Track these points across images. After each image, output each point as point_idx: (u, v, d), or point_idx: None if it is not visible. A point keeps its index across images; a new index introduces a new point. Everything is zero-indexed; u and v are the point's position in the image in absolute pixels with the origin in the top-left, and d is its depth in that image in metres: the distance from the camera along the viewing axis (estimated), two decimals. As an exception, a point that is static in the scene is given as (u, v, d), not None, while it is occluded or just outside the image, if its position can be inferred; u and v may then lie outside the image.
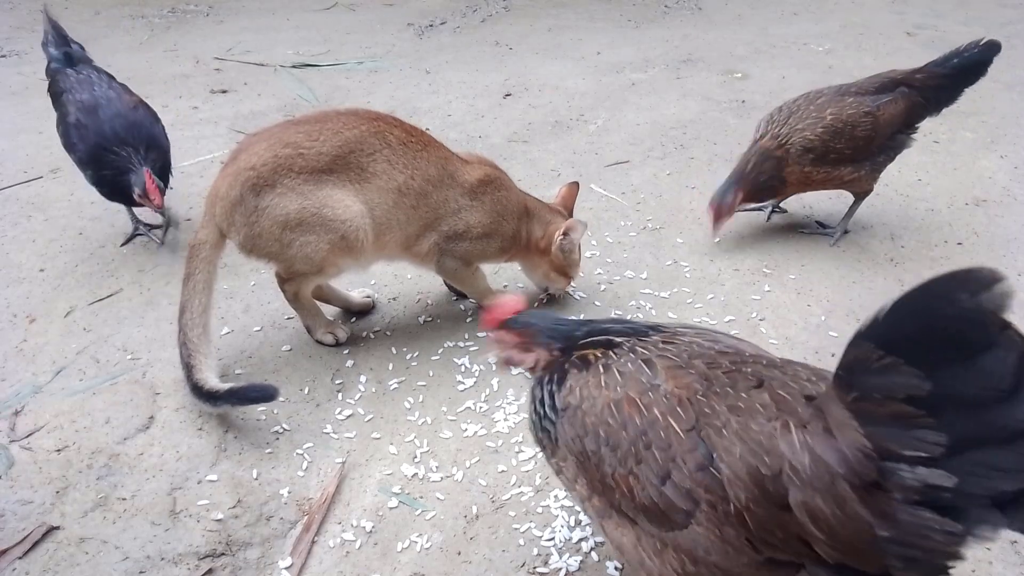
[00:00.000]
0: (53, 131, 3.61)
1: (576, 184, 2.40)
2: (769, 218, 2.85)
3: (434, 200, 2.01)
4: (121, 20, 5.39)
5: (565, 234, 2.16)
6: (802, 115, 2.49)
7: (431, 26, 5.32)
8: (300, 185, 1.88)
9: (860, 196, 2.67)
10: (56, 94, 2.68)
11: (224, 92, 4.08)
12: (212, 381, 1.85)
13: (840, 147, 2.46)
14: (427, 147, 2.01)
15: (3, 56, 4.63)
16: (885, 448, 0.93)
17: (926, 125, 3.56)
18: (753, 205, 2.83)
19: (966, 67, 2.50)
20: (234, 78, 4.28)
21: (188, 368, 1.87)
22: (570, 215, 2.31)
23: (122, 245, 2.67)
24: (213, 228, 1.96)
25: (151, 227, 2.75)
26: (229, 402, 1.82)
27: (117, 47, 4.81)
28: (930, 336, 0.89)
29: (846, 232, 2.69)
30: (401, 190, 1.96)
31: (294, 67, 4.45)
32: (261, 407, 1.94)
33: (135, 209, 2.72)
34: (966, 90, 2.55)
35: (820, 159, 2.47)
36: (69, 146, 2.60)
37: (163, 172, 2.58)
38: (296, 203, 1.88)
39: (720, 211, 2.48)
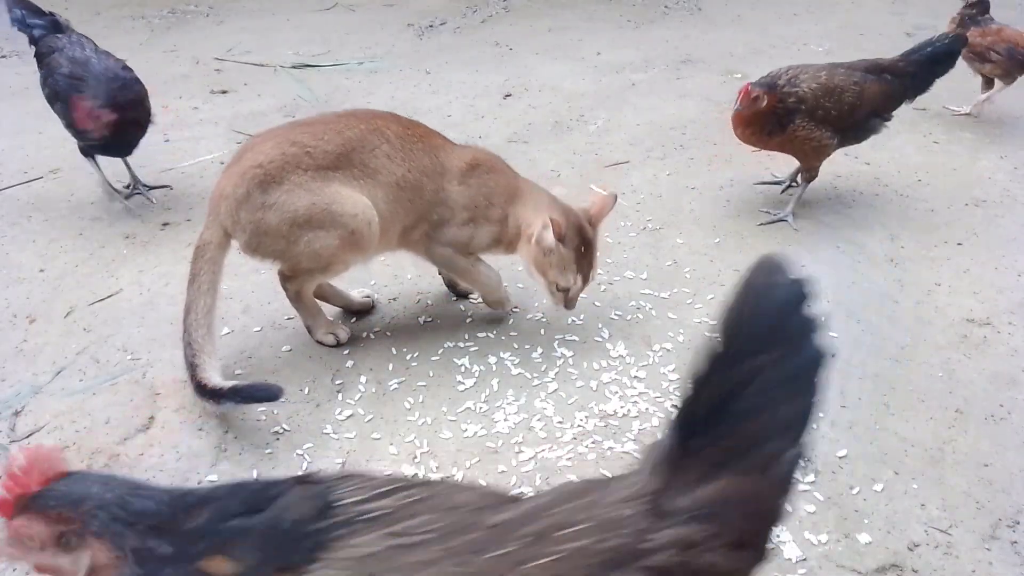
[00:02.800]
0: (53, 131, 3.61)
1: (614, 198, 2.17)
2: (784, 191, 2.97)
3: (428, 191, 2.03)
4: (121, 20, 5.39)
5: (545, 226, 1.99)
6: (799, 72, 2.68)
7: (431, 26, 5.32)
8: (308, 182, 1.90)
9: (809, 178, 2.82)
10: (44, 54, 2.80)
11: (224, 92, 4.08)
12: (216, 380, 1.84)
13: (828, 106, 2.62)
14: (422, 138, 2.04)
15: (3, 56, 4.62)
16: None
17: (926, 125, 3.58)
18: (769, 179, 3.05)
19: (937, 56, 2.78)
20: (234, 78, 4.28)
21: (192, 367, 1.86)
22: (592, 225, 2.09)
23: (127, 198, 2.90)
24: (218, 228, 1.97)
25: (149, 187, 2.98)
26: (232, 400, 1.82)
27: (117, 47, 4.78)
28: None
29: (793, 215, 2.81)
30: (399, 184, 1.99)
31: (294, 67, 4.44)
32: (261, 407, 1.94)
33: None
34: (937, 81, 2.84)
35: (810, 113, 2.61)
36: (55, 95, 2.70)
37: (139, 128, 2.75)
38: (306, 200, 1.90)
39: (751, 94, 2.55)
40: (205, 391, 1.82)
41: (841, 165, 3.17)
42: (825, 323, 0.96)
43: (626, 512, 0.88)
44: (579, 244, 2.03)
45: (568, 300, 2.09)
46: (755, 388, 0.87)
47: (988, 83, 3.53)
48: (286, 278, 2.06)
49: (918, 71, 2.78)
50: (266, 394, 1.80)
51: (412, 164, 1.99)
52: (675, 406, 0.90)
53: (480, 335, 2.22)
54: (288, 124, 2.06)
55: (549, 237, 1.97)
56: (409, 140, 2.01)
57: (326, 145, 1.92)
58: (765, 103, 2.57)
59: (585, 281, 2.08)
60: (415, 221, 2.06)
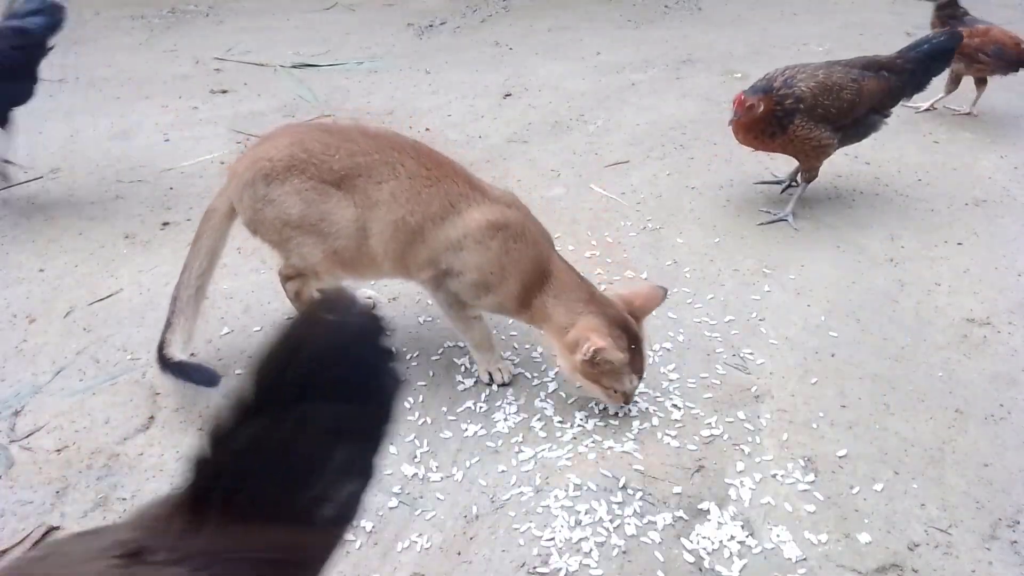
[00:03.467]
0: (53, 131, 3.62)
1: (663, 292, 1.96)
2: (784, 190, 2.99)
3: (431, 236, 1.89)
4: (120, 20, 5.39)
5: (597, 349, 1.76)
6: (796, 72, 2.69)
7: (431, 26, 5.32)
8: (307, 191, 1.90)
9: (809, 178, 2.83)
10: None
11: (224, 92, 4.08)
12: (174, 348, 1.90)
13: (827, 104, 2.63)
14: (439, 182, 1.88)
15: (3, 56, 4.62)
16: None
17: (926, 125, 3.58)
18: (769, 179, 3.08)
19: (934, 53, 2.82)
20: (234, 78, 4.28)
21: (167, 326, 1.92)
22: (637, 317, 1.88)
23: None
24: (226, 199, 2.01)
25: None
26: (172, 373, 1.87)
27: (117, 47, 4.81)
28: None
29: (793, 215, 2.82)
30: (396, 223, 1.89)
31: (294, 67, 4.44)
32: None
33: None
34: (934, 79, 2.90)
35: (808, 112, 2.62)
36: None
37: None
38: (298, 208, 1.90)
39: (745, 103, 2.56)
40: (160, 353, 1.89)
41: (841, 165, 3.17)
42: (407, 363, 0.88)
43: (100, 566, 0.75)
44: (628, 343, 1.82)
45: (627, 399, 1.89)
46: (301, 435, 0.80)
47: (981, 83, 3.54)
48: (286, 278, 2.06)
49: (916, 68, 2.80)
50: (203, 378, 1.88)
51: (416, 207, 1.87)
52: (196, 456, 0.81)
53: (480, 335, 2.22)
54: (315, 126, 2.05)
55: (616, 355, 1.77)
56: (423, 182, 1.88)
57: (333, 163, 1.89)
58: (761, 109, 2.58)
59: (640, 377, 1.88)
60: (415, 260, 1.94)
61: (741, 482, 1.73)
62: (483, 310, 2.00)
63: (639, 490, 1.70)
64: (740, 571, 1.54)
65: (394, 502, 1.70)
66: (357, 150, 1.91)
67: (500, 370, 2.03)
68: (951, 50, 2.87)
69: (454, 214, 1.87)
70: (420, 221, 1.88)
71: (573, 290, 1.87)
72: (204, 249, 2.01)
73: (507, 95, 4.03)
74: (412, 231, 1.89)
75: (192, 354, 2.00)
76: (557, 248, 2.03)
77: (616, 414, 1.93)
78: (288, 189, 1.90)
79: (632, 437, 1.86)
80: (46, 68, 2.84)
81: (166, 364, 1.88)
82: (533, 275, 1.88)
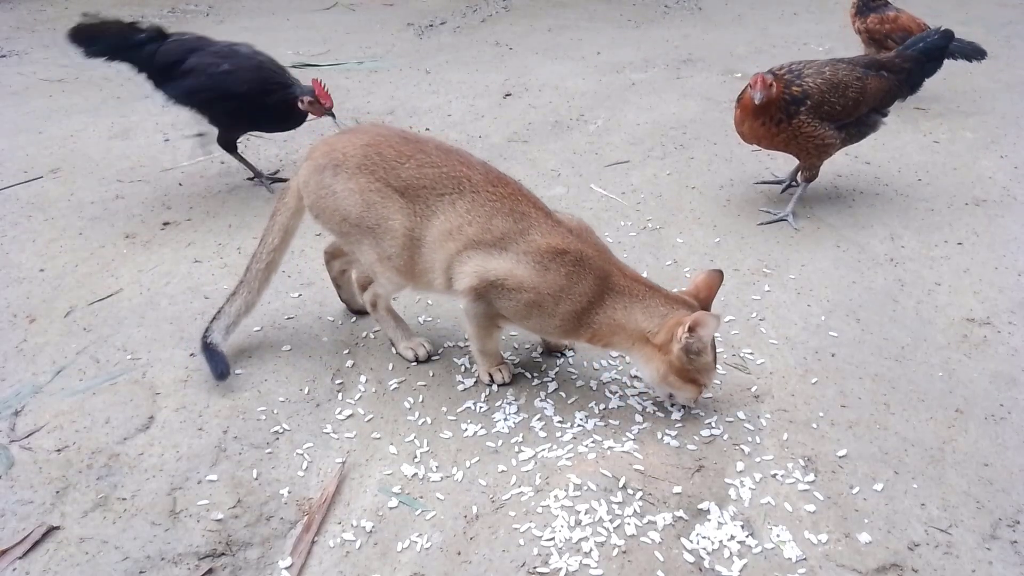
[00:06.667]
0: (53, 131, 3.61)
1: (720, 273, 1.93)
2: (784, 190, 3.00)
3: (487, 248, 1.87)
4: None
5: (691, 330, 1.75)
6: (803, 67, 2.71)
7: (431, 26, 5.32)
8: (370, 193, 1.92)
9: (809, 177, 2.84)
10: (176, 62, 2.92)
11: (224, 92, 4.08)
12: (217, 328, 2.06)
13: (833, 101, 2.66)
14: (503, 199, 1.88)
15: (3, 56, 4.62)
16: None
17: (927, 124, 3.58)
18: (770, 178, 3.08)
19: (930, 51, 2.88)
20: (234, 78, 4.27)
21: (230, 296, 2.09)
22: (704, 308, 1.87)
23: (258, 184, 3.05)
24: (296, 180, 2.07)
25: (271, 179, 3.10)
26: (202, 352, 2.05)
27: (117, 47, 4.80)
28: None
29: (794, 214, 2.83)
30: (452, 232, 1.88)
31: (294, 67, 4.43)
32: (261, 407, 1.94)
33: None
34: (927, 81, 2.98)
35: (815, 109, 2.64)
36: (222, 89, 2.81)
37: None
38: (358, 208, 1.92)
39: (766, 81, 2.57)
40: (206, 329, 2.07)
41: (842, 165, 3.17)
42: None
43: None
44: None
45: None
46: None
47: None
48: (361, 287, 2.17)
49: (914, 66, 2.83)
50: (215, 368, 2.01)
51: (476, 218, 1.86)
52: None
53: (480, 335, 2.22)
54: (394, 131, 2.03)
55: (707, 334, 1.76)
56: (487, 196, 1.87)
57: (401, 171, 1.92)
58: (774, 90, 2.59)
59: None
60: (462, 269, 1.89)
61: (741, 482, 1.73)
62: (525, 330, 1.99)
63: (639, 490, 1.70)
64: (740, 571, 1.53)
65: (394, 502, 1.70)
66: (427, 162, 1.92)
67: (500, 371, 2.04)
68: (944, 48, 2.90)
69: (516, 232, 1.86)
70: (478, 232, 1.87)
71: (645, 298, 1.85)
72: (277, 225, 2.10)
73: (507, 95, 4.03)
74: (468, 240, 1.87)
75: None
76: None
77: (616, 414, 1.92)
78: (352, 186, 1.92)
79: (632, 437, 1.86)
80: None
81: (203, 340, 2.05)
82: (588, 300, 1.85)
